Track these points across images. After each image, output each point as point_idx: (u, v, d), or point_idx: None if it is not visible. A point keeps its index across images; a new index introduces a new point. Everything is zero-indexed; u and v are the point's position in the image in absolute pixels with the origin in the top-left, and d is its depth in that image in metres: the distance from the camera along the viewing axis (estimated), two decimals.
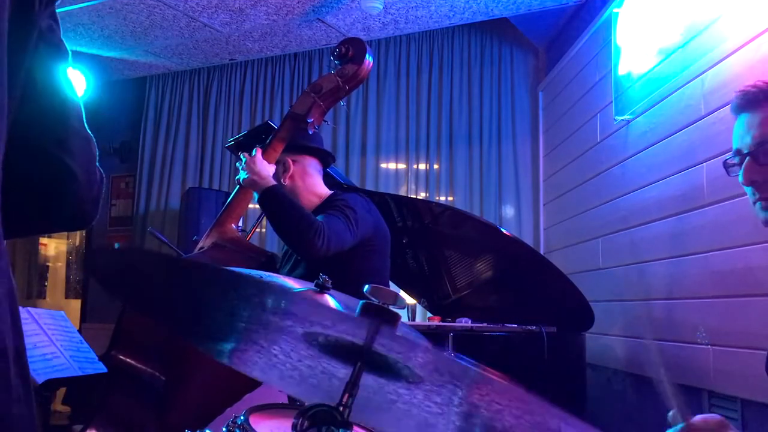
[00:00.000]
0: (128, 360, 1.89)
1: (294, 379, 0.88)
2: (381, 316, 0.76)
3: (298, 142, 2.28)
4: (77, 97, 0.85)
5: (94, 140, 0.87)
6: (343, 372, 0.79)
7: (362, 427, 1.24)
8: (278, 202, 2.08)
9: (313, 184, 2.31)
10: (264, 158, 2.14)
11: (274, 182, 2.12)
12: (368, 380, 0.78)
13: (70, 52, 0.85)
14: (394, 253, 2.41)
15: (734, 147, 1.32)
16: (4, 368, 0.67)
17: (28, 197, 0.82)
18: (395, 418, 0.86)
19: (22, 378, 0.70)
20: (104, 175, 0.90)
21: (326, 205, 2.23)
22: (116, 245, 5.30)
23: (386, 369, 0.77)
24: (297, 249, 2.09)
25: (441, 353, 0.70)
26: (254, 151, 2.14)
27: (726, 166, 1.34)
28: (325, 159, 2.40)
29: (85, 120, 0.86)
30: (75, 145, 0.83)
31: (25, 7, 0.76)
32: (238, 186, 2.25)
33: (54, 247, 6.84)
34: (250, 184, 2.13)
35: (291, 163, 2.27)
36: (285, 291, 0.71)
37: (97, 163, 0.88)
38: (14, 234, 0.78)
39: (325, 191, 2.33)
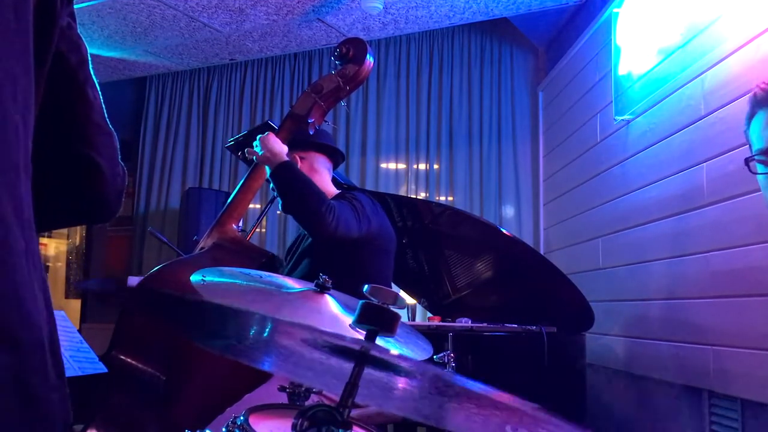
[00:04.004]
0: (129, 360, 1.89)
1: (304, 369, 0.88)
2: (378, 321, 0.76)
3: (306, 138, 2.27)
4: (99, 93, 0.88)
5: (116, 134, 0.89)
6: (346, 365, 0.79)
7: (362, 427, 1.24)
8: (291, 177, 2.08)
9: (320, 181, 2.28)
10: None
11: (287, 159, 2.12)
12: (369, 370, 0.78)
13: (88, 49, 0.87)
14: (394, 253, 2.41)
15: (760, 145, 1.27)
16: (41, 359, 0.69)
17: (57, 192, 0.85)
18: (398, 401, 0.86)
19: (56, 368, 0.72)
20: (125, 168, 0.92)
21: (333, 198, 2.23)
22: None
23: (385, 366, 0.77)
24: (307, 223, 2.08)
25: (428, 371, 0.70)
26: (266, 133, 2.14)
27: (747, 161, 1.29)
28: (334, 156, 2.40)
29: (106, 115, 0.88)
30: (99, 140, 0.86)
31: (47, 6, 0.77)
32: (240, 184, 2.25)
33: (54, 247, 6.83)
34: (264, 160, 2.12)
35: (298, 159, 2.27)
36: (269, 320, 0.72)
37: (119, 157, 0.90)
38: (43, 228, 0.80)
39: (333, 189, 2.33)
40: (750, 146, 1.33)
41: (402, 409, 0.84)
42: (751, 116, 1.31)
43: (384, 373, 0.77)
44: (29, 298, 0.69)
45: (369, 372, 0.77)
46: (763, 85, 1.28)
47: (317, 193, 2.04)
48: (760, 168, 1.28)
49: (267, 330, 0.76)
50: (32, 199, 0.74)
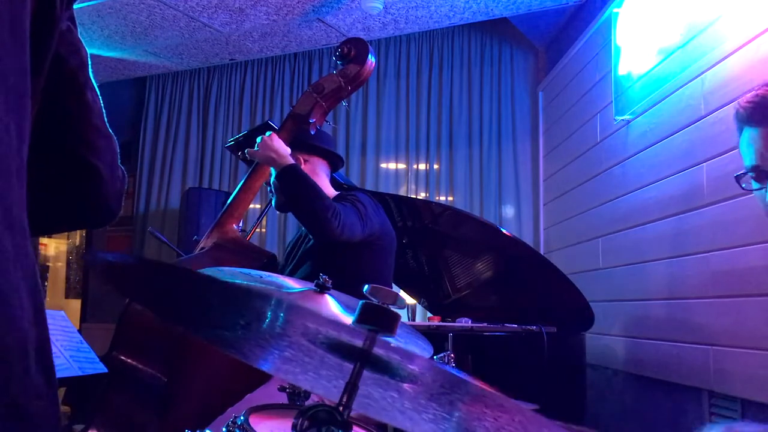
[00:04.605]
0: (129, 361, 1.89)
1: (302, 371, 0.88)
2: (378, 321, 0.76)
3: (312, 142, 2.28)
4: (98, 96, 0.87)
5: (115, 138, 0.89)
6: (347, 366, 0.78)
7: (362, 427, 1.24)
8: (298, 180, 2.09)
9: (321, 185, 2.30)
10: None
11: (292, 161, 2.12)
12: (370, 375, 0.78)
13: (88, 53, 0.87)
14: (395, 254, 2.41)
15: (750, 163, 1.25)
16: (25, 366, 0.68)
17: (55, 196, 0.84)
18: (397, 413, 0.86)
19: (44, 374, 0.71)
20: (125, 171, 0.91)
21: (336, 200, 2.23)
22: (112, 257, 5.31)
23: (386, 369, 0.77)
24: (312, 227, 2.08)
25: (434, 364, 0.70)
26: (268, 133, 2.14)
27: (738, 178, 1.29)
28: (335, 162, 2.40)
29: (105, 118, 0.87)
30: (98, 143, 0.85)
31: (46, 9, 0.76)
32: (240, 184, 2.25)
33: (54, 247, 6.84)
34: (268, 161, 2.13)
35: (302, 161, 2.27)
36: (279, 303, 0.72)
37: (119, 160, 0.89)
38: (42, 232, 0.79)
39: (332, 192, 2.33)
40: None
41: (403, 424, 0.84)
42: (739, 132, 1.30)
43: (383, 377, 0.77)
44: (16, 304, 0.67)
45: (367, 377, 0.77)
46: (744, 103, 1.26)
47: (323, 198, 2.04)
48: (754, 185, 1.28)
49: (280, 317, 0.75)
50: (27, 204, 0.73)
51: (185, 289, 0.78)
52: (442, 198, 4.61)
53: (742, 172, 1.28)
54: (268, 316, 0.75)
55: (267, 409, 1.22)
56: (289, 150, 2.14)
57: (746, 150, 1.26)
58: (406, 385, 0.78)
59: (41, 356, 0.71)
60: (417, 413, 0.80)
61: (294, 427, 0.76)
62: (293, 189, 2.09)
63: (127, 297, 1.90)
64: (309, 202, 2.04)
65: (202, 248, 2.19)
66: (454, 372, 0.70)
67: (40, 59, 0.76)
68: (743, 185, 1.29)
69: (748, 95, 1.27)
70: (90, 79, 0.86)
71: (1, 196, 0.68)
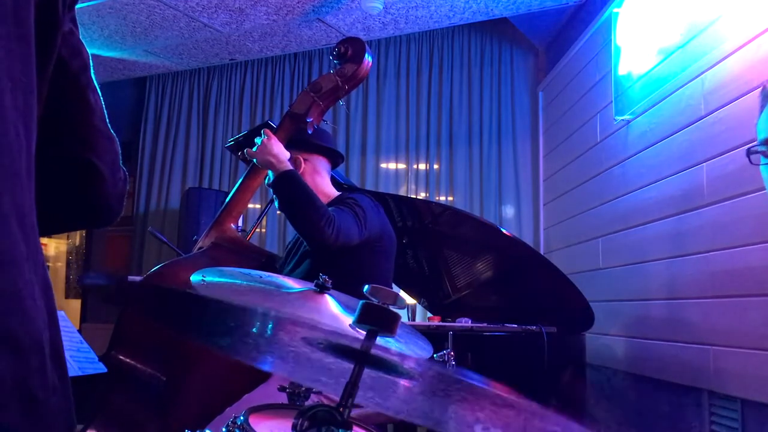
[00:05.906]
0: (128, 360, 1.89)
1: (301, 368, 0.88)
2: (378, 321, 0.76)
3: (310, 140, 2.27)
4: (100, 97, 0.88)
5: (117, 139, 0.89)
6: (346, 365, 0.78)
7: (362, 427, 1.24)
8: (294, 187, 2.08)
9: (322, 184, 2.30)
10: None
11: (291, 166, 2.12)
12: (370, 370, 0.78)
13: (90, 54, 0.87)
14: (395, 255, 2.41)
15: (763, 136, 1.30)
16: (41, 363, 0.69)
17: (57, 197, 0.85)
18: (397, 401, 0.86)
19: (58, 371, 0.72)
20: (126, 173, 0.92)
21: (335, 202, 2.23)
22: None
23: (386, 367, 0.77)
24: (306, 235, 2.08)
25: (432, 367, 0.71)
26: (263, 134, 2.14)
27: (749, 153, 1.33)
28: (335, 158, 2.40)
29: (107, 119, 0.88)
30: (100, 144, 0.86)
31: (49, 11, 0.77)
32: (239, 183, 2.25)
33: (54, 247, 6.84)
34: (266, 165, 2.12)
35: (302, 160, 2.27)
36: (270, 317, 0.72)
37: (120, 161, 0.90)
38: (44, 232, 0.80)
39: (333, 191, 2.33)
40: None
41: (402, 411, 0.84)
42: (761, 109, 1.34)
43: (383, 373, 0.77)
44: (30, 302, 0.69)
45: (368, 374, 0.77)
46: None
47: (318, 206, 2.03)
48: (762, 159, 1.31)
49: (269, 327, 0.76)
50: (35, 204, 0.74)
51: (171, 305, 0.79)
52: (442, 198, 4.61)
53: (755, 145, 1.32)
54: (256, 327, 0.75)
55: (267, 409, 1.22)
56: (288, 155, 2.13)
57: (764, 125, 1.30)
58: (407, 383, 0.78)
59: (55, 353, 0.72)
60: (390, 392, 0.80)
61: (294, 427, 0.76)
62: (288, 195, 2.08)
63: (122, 308, 1.91)
64: (303, 209, 2.03)
65: (200, 248, 2.18)
66: (446, 370, 0.70)
67: (44, 62, 0.77)
68: (752, 160, 1.32)
69: None
70: (92, 81, 0.86)
71: (14, 197, 0.69)
